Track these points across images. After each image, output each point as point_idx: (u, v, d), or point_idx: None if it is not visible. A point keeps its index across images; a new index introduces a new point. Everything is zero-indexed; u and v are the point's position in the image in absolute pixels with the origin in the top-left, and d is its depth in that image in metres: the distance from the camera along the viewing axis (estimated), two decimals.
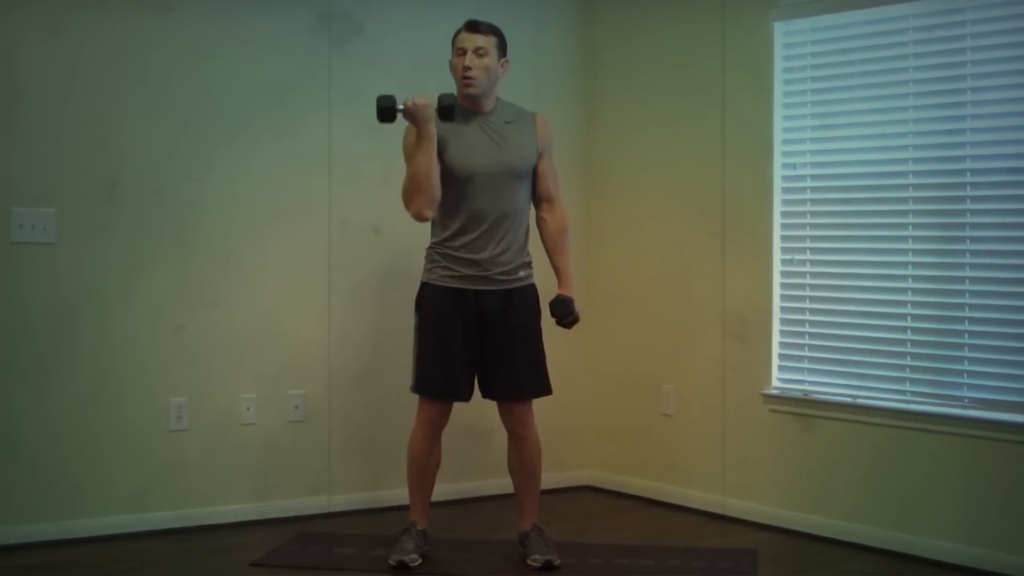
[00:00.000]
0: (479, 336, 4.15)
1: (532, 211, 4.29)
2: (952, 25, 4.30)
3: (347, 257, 4.96)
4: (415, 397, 4.21)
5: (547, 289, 4.26)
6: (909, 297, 4.42)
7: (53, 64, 4.43)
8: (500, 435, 4.31)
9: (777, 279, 4.82)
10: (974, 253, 4.25)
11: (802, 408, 4.70)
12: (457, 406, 4.24)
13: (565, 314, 4.18)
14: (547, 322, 4.23)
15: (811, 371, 4.73)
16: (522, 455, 4.24)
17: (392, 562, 4.12)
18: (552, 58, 5.45)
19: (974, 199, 4.25)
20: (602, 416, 5.50)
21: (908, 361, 4.42)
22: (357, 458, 5.00)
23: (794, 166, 4.80)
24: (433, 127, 4.00)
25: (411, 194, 4.05)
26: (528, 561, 4.16)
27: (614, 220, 5.45)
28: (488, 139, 4.12)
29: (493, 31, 4.15)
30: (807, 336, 4.75)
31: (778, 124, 4.80)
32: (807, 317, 4.75)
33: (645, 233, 5.32)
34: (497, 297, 4.13)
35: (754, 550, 4.42)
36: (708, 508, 4.99)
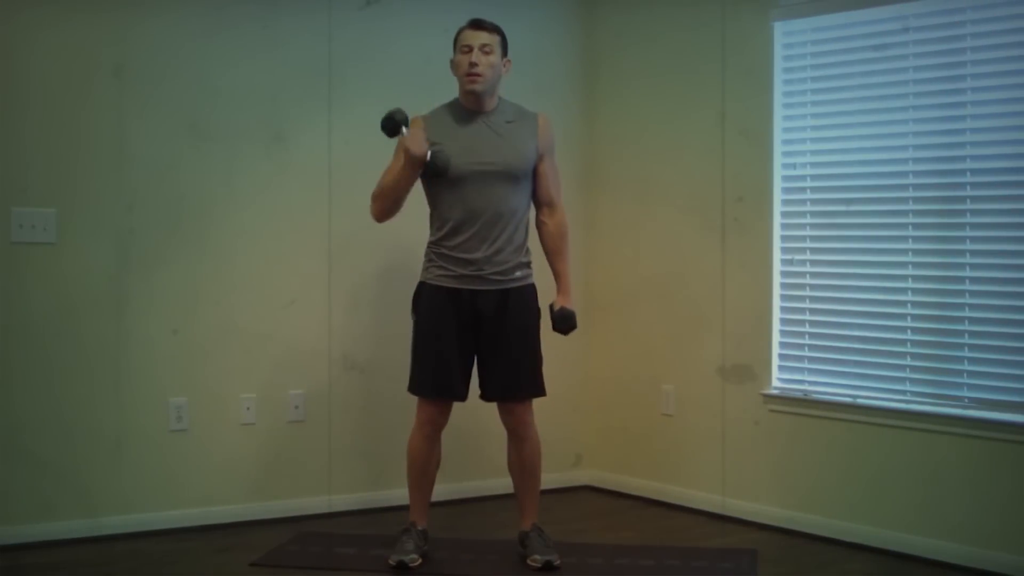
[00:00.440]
0: (474, 336, 4.15)
1: (532, 211, 4.29)
2: (952, 25, 4.31)
3: (347, 257, 4.95)
4: (415, 397, 4.21)
5: (546, 290, 4.26)
6: (909, 297, 4.42)
7: (53, 63, 4.43)
8: (500, 434, 4.31)
9: (777, 279, 4.82)
10: (974, 253, 4.25)
11: (802, 408, 4.70)
12: (457, 406, 4.25)
13: (566, 329, 4.20)
14: (545, 323, 4.24)
15: (811, 371, 4.73)
16: (522, 455, 4.24)
17: (392, 562, 4.12)
18: (552, 58, 5.45)
19: (974, 199, 4.25)
20: (602, 416, 5.50)
21: (908, 361, 4.42)
22: (357, 458, 5.00)
23: (794, 166, 4.80)
24: (416, 173, 4.06)
25: (376, 201, 4.17)
26: (528, 561, 4.16)
27: (614, 220, 5.45)
28: (487, 138, 4.12)
29: (497, 30, 4.15)
30: (807, 336, 4.75)
31: (778, 124, 4.80)
32: (807, 317, 4.75)
33: (645, 233, 5.32)
34: (492, 297, 4.13)
35: (754, 550, 4.42)
36: (708, 508, 4.99)
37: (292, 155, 4.87)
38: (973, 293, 4.25)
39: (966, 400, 4.26)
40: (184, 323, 4.65)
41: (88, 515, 4.47)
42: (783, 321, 4.82)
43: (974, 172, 4.25)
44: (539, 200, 4.26)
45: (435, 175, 4.07)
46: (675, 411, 5.18)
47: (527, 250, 4.22)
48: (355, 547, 4.41)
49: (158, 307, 4.61)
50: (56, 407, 4.43)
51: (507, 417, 4.23)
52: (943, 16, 4.33)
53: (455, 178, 4.09)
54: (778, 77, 4.79)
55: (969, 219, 4.27)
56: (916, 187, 4.41)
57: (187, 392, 4.66)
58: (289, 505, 4.84)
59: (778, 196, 4.81)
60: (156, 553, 4.36)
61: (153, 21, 4.60)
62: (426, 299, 4.17)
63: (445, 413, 4.22)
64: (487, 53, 4.09)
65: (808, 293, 4.75)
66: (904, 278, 4.43)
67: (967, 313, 4.27)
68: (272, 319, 4.82)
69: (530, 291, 4.22)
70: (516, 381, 4.18)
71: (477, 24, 4.14)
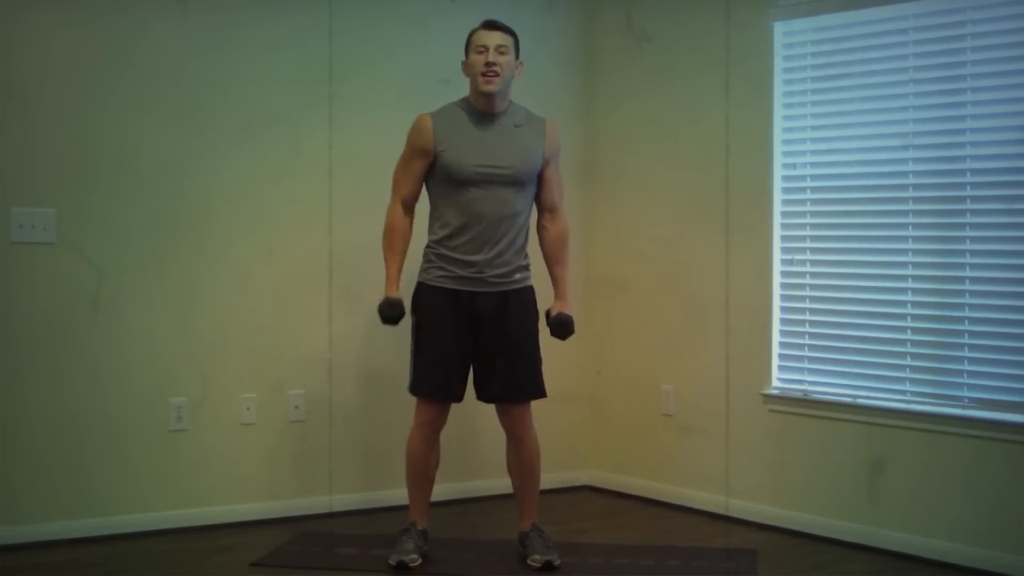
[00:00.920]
0: (473, 337, 4.15)
1: (533, 214, 4.28)
2: (952, 25, 4.31)
3: (348, 257, 4.95)
4: (414, 397, 4.21)
5: (544, 292, 4.26)
6: (909, 297, 4.42)
7: (54, 63, 4.43)
8: (500, 434, 4.30)
9: (777, 279, 4.82)
10: (974, 253, 4.25)
11: (802, 408, 4.70)
12: (457, 406, 4.24)
13: (563, 335, 4.21)
14: (541, 324, 4.24)
15: (811, 371, 4.73)
16: (520, 456, 4.24)
17: (392, 562, 4.12)
18: (553, 58, 5.44)
19: (974, 199, 4.25)
20: (602, 416, 5.50)
21: (908, 361, 4.42)
22: (357, 458, 5.00)
23: (794, 166, 4.80)
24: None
25: (384, 238, 4.22)
26: (528, 561, 4.16)
27: (614, 220, 5.45)
28: (495, 141, 4.11)
29: (511, 31, 4.14)
30: (807, 336, 4.75)
31: (778, 124, 4.80)
32: (807, 317, 4.75)
33: (645, 233, 5.32)
34: (492, 299, 4.13)
35: (754, 550, 4.42)
36: (708, 508, 4.99)
37: (293, 155, 4.86)
38: (973, 293, 4.25)
39: (966, 400, 4.26)
40: (184, 323, 4.65)
41: (88, 515, 4.47)
42: (783, 321, 4.82)
43: (974, 172, 4.25)
44: (542, 205, 4.25)
45: (386, 314, 4.16)
46: (675, 411, 5.18)
47: (526, 253, 4.21)
48: (355, 547, 4.41)
49: (158, 307, 4.61)
50: (56, 407, 4.43)
51: (505, 419, 4.23)
52: (943, 16, 4.33)
53: (460, 180, 4.08)
54: (778, 77, 4.79)
55: (969, 219, 4.27)
56: (916, 187, 4.41)
57: (187, 392, 4.66)
58: (289, 505, 4.84)
59: (778, 196, 4.81)
60: (156, 553, 4.36)
61: (153, 21, 4.60)
62: (425, 300, 4.16)
63: (444, 414, 4.21)
64: (503, 54, 4.08)
65: (808, 293, 4.75)
66: (904, 278, 4.43)
67: (967, 313, 4.27)
68: (272, 319, 4.82)
69: (529, 293, 4.21)
70: (515, 383, 4.17)
71: (492, 25, 4.12)
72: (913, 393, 4.39)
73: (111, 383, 4.53)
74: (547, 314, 4.23)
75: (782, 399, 4.77)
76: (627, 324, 5.39)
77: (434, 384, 4.15)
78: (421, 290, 4.19)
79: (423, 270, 4.19)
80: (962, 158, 4.29)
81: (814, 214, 4.74)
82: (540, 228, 4.27)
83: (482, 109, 4.13)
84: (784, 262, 4.81)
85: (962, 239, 4.28)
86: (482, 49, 4.08)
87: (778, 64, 4.79)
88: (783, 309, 4.82)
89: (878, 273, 4.50)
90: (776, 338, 4.82)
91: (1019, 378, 4.14)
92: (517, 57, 4.15)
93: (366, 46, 5.00)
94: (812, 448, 4.67)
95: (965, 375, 4.27)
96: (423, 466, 4.23)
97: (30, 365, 4.41)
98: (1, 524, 4.33)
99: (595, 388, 5.52)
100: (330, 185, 4.93)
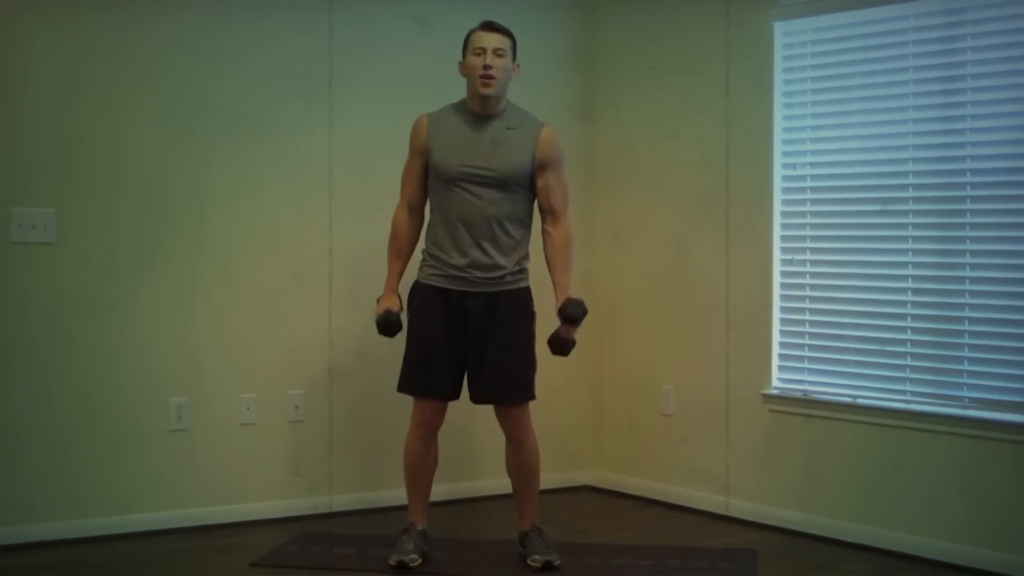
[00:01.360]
0: (463, 336, 4.15)
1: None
2: (952, 25, 4.30)
3: (348, 257, 4.95)
4: (404, 395, 4.21)
5: (542, 294, 4.25)
6: (909, 297, 4.42)
7: (54, 63, 4.43)
8: (499, 434, 4.30)
9: (777, 279, 4.82)
10: (974, 253, 4.25)
11: (802, 408, 4.70)
12: (456, 407, 4.25)
13: (563, 352, 4.19)
14: (541, 324, 4.23)
15: (811, 371, 4.73)
16: (519, 457, 4.23)
17: (392, 562, 4.12)
18: (553, 57, 5.44)
19: (974, 199, 4.25)
20: (602, 416, 5.50)
21: (908, 361, 4.42)
22: (357, 458, 5.00)
23: (794, 166, 4.80)
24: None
25: (389, 240, 4.28)
26: (528, 561, 4.16)
27: (614, 220, 5.45)
28: (483, 143, 4.10)
29: (509, 33, 4.13)
30: (807, 336, 4.75)
31: (778, 124, 4.80)
32: (807, 317, 4.75)
33: (645, 233, 5.32)
34: (481, 300, 4.12)
35: (754, 550, 4.42)
36: (708, 508, 4.99)
37: (293, 155, 4.86)
38: (973, 293, 4.25)
39: (966, 400, 4.26)
40: (184, 323, 4.65)
41: (88, 515, 4.47)
42: (783, 321, 4.82)
43: (974, 172, 4.25)
44: (542, 209, 4.22)
45: (383, 328, 4.19)
46: (675, 411, 5.18)
47: (524, 255, 4.19)
48: (355, 547, 4.41)
49: (158, 307, 4.61)
50: (55, 407, 4.43)
51: (503, 420, 4.23)
52: (943, 16, 4.32)
53: (447, 180, 4.09)
54: (778, 77, 4.79)
55: (969, 219, 4.27)
56: (916, 187, 4.41)
57: (187, 392, 4.66)
58: (289, 505, 4.84)
59: (778, 196, 4.81)
60: (156, 553, 4.36)
61: (152, 21, 4.60)
62: (418, 298, 4.18)
63: (440, 413, 4.21)
64: (500, 56, 4.07)
65: (808, 293, 4.75)
66: (904, 278, 4.43)
67: (967, 313, 4.26)
68: (272, 319, 4.82)
69: (523, 295, 4.19)
70: (504, 385, 4.16)
71: (489, 27, 4.12)
72: (913, 393, 4.39)
73: (111, 383, 4.53)
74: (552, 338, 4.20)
75: (782, 399, 4.77)
76: (627, 324, 5.39)
77: (421, 381, 4.16)
78: (416, 287, 4.20)
79: (419, 268, 4.21)
80: (962, 158, 4.29)
81: (814, 214, 4.74)
82: (543, 233, 4.24)
83: (477, 111, 4.13)
84: (784, 262, 4.81)
85: (962, 239, 4.28)
86: (480, 51, 4.07)
87: (778, 64, 4.79)
88: (783, 309, 4.82)
89: (878, 273, 4.50)
90: (776, 338, 4.82)
91: (1019, 378, 4.13)
92: (514, 59, 4.15)
93: (367, 45, 4.99)
94: (812, 448, 4.67)
95: (965, 375, 4.27)
96: (421, 466, 4.23)
97: (30, 365, 4.41)
98: (1, 524, 4.33)
99: (595, 388, 5.51)
100: (330, 185, 4.93)
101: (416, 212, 4.24)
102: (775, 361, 4.82)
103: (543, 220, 4.24)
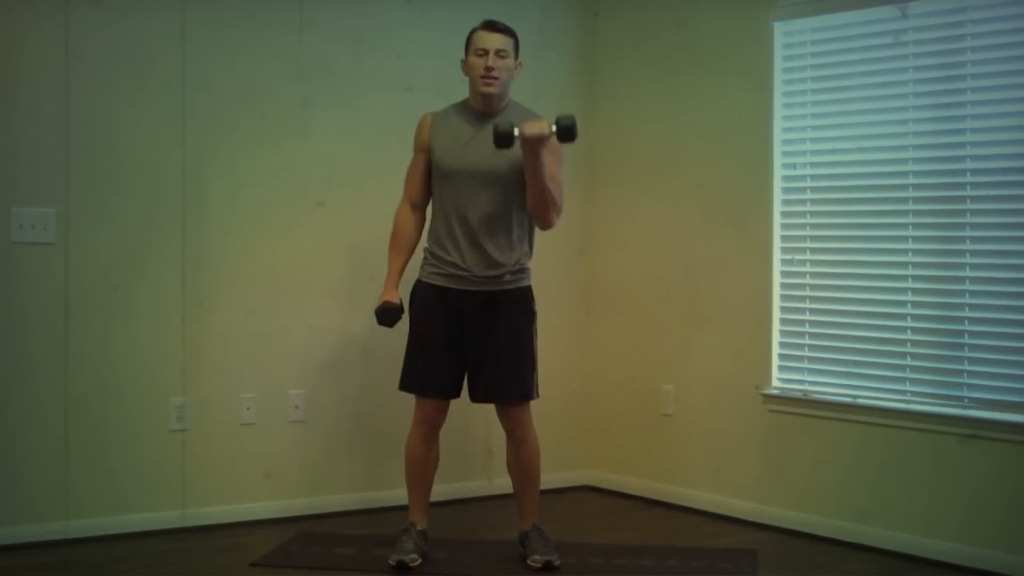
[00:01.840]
0: (464, 335, 4.15)
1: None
2: (952, 25, 4.31)
3: (348, 257, 4.95)
4: (405, 393, 4.22)
5: (542, 293, 4.26)
6: (909, 297, 4.42)
7: (54, 63, 4.43)
8: (500, 434, 4.31)
9: (777, 279, 4.82)
10: (974, 253, 4.25)
11: (802, 408, 4.70)
12: (457, 406, 4.25)
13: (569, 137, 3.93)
14: (541, 324, 4.24)
15: (811, 371, 4.73)
16: (520, 456, 4.23)
17: (392, 562, 4.12)
18: (553, 58, 5.44)
19: (974, 199, 4.25)
20: (602, 416, 5.50)
21: (908, 361, 4.42)
22: (357, 458, 5.00)
23: (794, 166, 4.80)
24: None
25: (390, 238, 4.26)
26: (528, 561, 4.16)
27: (614, 220, 5.45)
28: (482, 140, 4.09)
29: (511, 32, 4.13)
30: (807, 336, 4.75)
31: (778, 124, 4.80)
32: (807, 317, 4.75)
33: (645, 233, 5.32)
34: (479, 298, 4.12)
35: (754, 550, 4.42)
36: (708, 508, 4.99)
37: (293, 154, 4.86)
38: (973, 293, 4.25)
39: (966, 400, 4.26)
40: (184, 323, 4.65)
41: (88, 515, 4.47)
42: (783, 321, 4.82)
43: (974, 172, 4.25)
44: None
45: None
46: (675, 411, 5.18)
47: (524, 254, 4.18)
48: (355, 547, 4.41)
49: (158, 307, 4.61)
50: (56, 407, 4.43)
51: (504, 419, 4.23)
52: (943, 16, 4.33)
53: (447, 177, 4.10)
54: (778, 77, 4.79)
55: (969, 219, 4.27)
56: (916, 187, 4.41)
57: (187, 392, 4.66)
58: (289, 505, 4.84)
59: (778, 196, 4.81)
60: (155, 553, 4.36)
61: (153, 20, 4.60)
62: (419, 296, 4.19)
63: (441, 412, 4.21)
64: (502, 57, 4.08)
65: (808, 293, 4.75)
66: (904, 278, 4.43)
67: (967, 313, 4.27)
68: (272, 319, 4.82)
69: (524, 294, 4.19)
70: (504, 383, 4.16)
71: (492, 26, 4.12)
72: (913, 393, 4.39)
73: (111, 383, 4.53)
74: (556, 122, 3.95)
75: (782, 399, 4.77)
76: (627, 323, 5.39)
77: (421, 380, 4.16)
78: (417, 286, 4.21)
79: (421, 267, 4.22)
80: (962, 158, 4.29)
81: (814, 214, 4.74)
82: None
83: (480, 109, 4.14)
84: (784, 262, 4.81)
85: (962, 239, 4.28)
86: (482, 52, 4.08)
87: (778, 64, 4.79)
88: (783, 309, 4.82)
89: (878, 273, 4.50)
90: (776, 338, 4.82)
91: (1019, 378, 4.14)
92: (516, 57, 4.15)
93: (367, 42, 4.99)
94: (812, 448, 4.67)
95: (965, 375, 4.27)
96: (421, 466, 4.23)
97: (30, 365, 4.40)
98: (1, 524, 4.33)
99: (595, 388, 5.51)
100: (330, 185, 4.93)
101: (418, 210, 4.24)
102: (775, 361, 4.82)
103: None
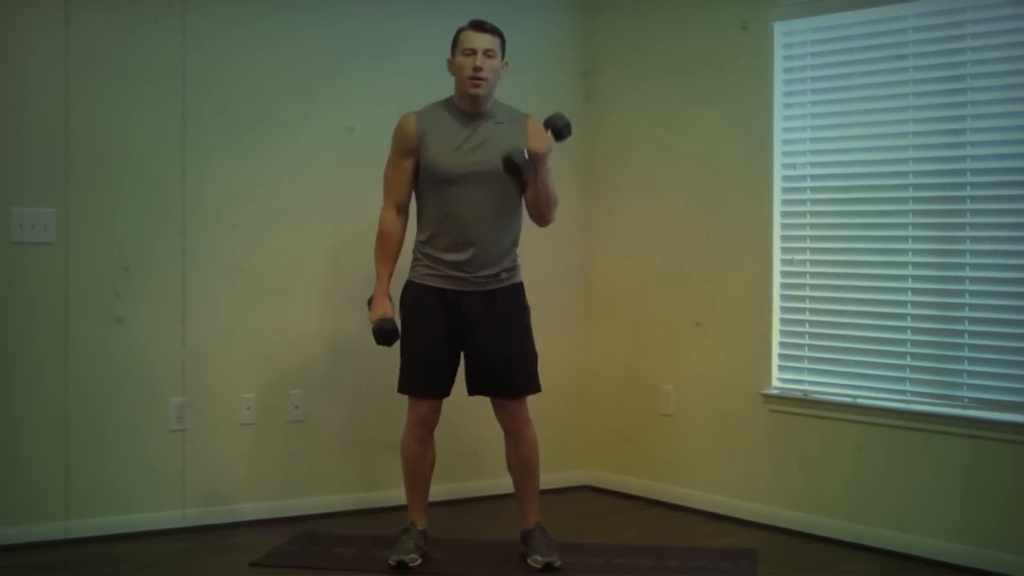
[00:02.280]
0: (460, 334, 4.15)
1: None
2: (952, 25, 4.31)
3: (348, 257, 4.95)
4: (405, 396, 4.21)
5: (535, 289, 4.25)
6: (909, 297, 4.42)
7: (54, 63, 4.43)
8: (499, 434, 4.30)
9: (777, 279, 4.82)
10: (974, 253, 4.25)
11: (802, 408, 4.70)
12: (456, 406, 4.25)
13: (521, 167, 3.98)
14: (541, 323, 4.23)
15: (811, 371, 4.73)
16: (519, 452, 4.23)
17: (392, 562, 4.12)
18: (552, 58, 5.45)
19: (974, 199, 4.25)
20: (602, 416, 5.50)
21: (908, 361, 4.42)
22: (357, 458, 5.00)
23: (794, 166, 4.80)
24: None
25: (376, 244, 4.21)
26: (528, 561, 4.16)
27: (614, 220, 5.45)
28: (476, 140, 4.09)
29: (498, 32, 4.13)
30: (807, 336, 4.75)
31: (778, 124, 4.80)
32: (807, 317, 4.75)
33: (645, 233, 5.32)
34: (478, 298, 4.12)
35: (754, 550, 4.42)
36: (708, 508, 4.99)
37: (293, 154, 4.86)
38: (973, 293, 4.25)
39: (966, 400, 4.26)
40: (184, 323, 4.65)
41: (88, 515, 4.47)
42: (783, 321, 4.82)
43: (974, 172, 4.25)
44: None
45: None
46: (675, 411, 5.18)
47: (515, 252, 4.20)
48: (355, 547, 4.41)
49: (158, 307, 4.61)
50: (55, 407, 4.43)
51: (501, 414, 4.22)
52: (943, 16, 4.33)
53: (442, 179, 4.08)
54: (778, 77, 4.79)
55: (969, 219, 4.27)
56: (916, 187, 4.41)
57: (187, 392, 4.66)
58: (289, 505, 4.84)
59: (778, 196, 4.81)
60: (156, 553, 4.36)
61: (152, 20, 4.60)
62: (412, 297, 4.17)
63: (435, 412, 4.21)
64: (490, 57, 4.07)
65: (808, 293, 4.75)
66: (904, 278, 4.43)
67: (967, 313, 4.27)
68: (272, 319, 4.82)
69: (518, 290, 4.20)
70: (510, 379, 4.17)
71: (479, 26, 4.11)
72: (913, 393, 4.39)
73: (111, 383, 4.53)
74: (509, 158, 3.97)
75: (782, 399, 4.77)
76: (627, 323, 5.39)
77: (423, 382, 4.16)
78: (408, 287, 4.19)
79: (411, 268, 4.20)
80: (962, 158, 4.29)
81: (814, 214, 4.74)
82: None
83: (467, 109, 4.13)
84: (784, 262, 4.81)
85: (962, 239, 4.28)
86: (469, 52, 4.07)
87: (778, 64, 4.79)
88: (783, 309, 4.82)
89: (878, 273, 4.50)
90: (776, 338, 4.82)
91: (1019, 378, 4.14)
92: (503, 58, 4.15)
93: (369, 42, 4.99)
94: (812, 448, 4.67)
95: (965, 375, 4.27)
96: (418, 465, 4.23)
97: (30, 365, 4.41)
98: (1, 524, 4.33)
99: (595, 388, 5.51)
100: (330, 185, 4.93)
101: (403, 213, 4.21)
102: (775, 361, 4.82)
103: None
